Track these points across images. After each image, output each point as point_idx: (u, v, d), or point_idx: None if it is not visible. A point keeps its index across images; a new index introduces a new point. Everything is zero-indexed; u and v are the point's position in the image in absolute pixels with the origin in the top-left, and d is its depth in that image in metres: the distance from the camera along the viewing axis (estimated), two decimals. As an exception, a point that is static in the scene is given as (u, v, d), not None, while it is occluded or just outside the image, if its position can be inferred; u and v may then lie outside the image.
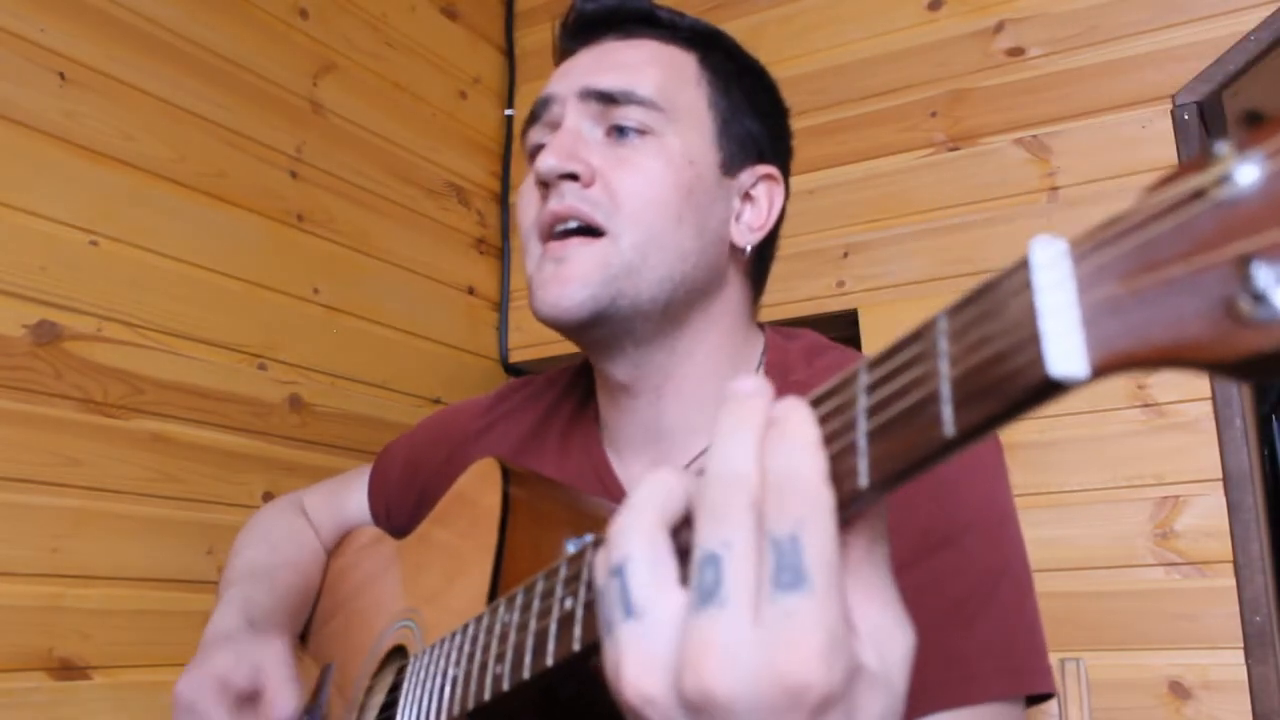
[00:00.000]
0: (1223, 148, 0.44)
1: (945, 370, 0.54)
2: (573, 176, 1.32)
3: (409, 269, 2.89)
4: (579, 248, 1.32)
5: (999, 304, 0.52)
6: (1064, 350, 0.48)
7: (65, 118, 2.06)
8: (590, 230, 1.32)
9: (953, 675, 1.13)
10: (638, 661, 0.64)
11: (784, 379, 1.36)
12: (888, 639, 0.66)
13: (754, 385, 0.67)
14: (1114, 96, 2.50)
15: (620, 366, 1.39)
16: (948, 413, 0.53)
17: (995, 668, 1.14)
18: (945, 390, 0.54)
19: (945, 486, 1.21)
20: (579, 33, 1.46)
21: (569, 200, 1.32)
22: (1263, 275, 0.42)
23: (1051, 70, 2.59)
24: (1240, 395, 2.32)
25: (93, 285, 2.07)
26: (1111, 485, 2.35)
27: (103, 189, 2.12)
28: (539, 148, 1.41)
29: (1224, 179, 0.44)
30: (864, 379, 0.61)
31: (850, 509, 0.61)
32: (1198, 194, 0.44)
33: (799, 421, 0.63)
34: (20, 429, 1.94)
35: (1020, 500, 1.29)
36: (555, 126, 1.38)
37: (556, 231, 1.33)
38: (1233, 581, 2.24)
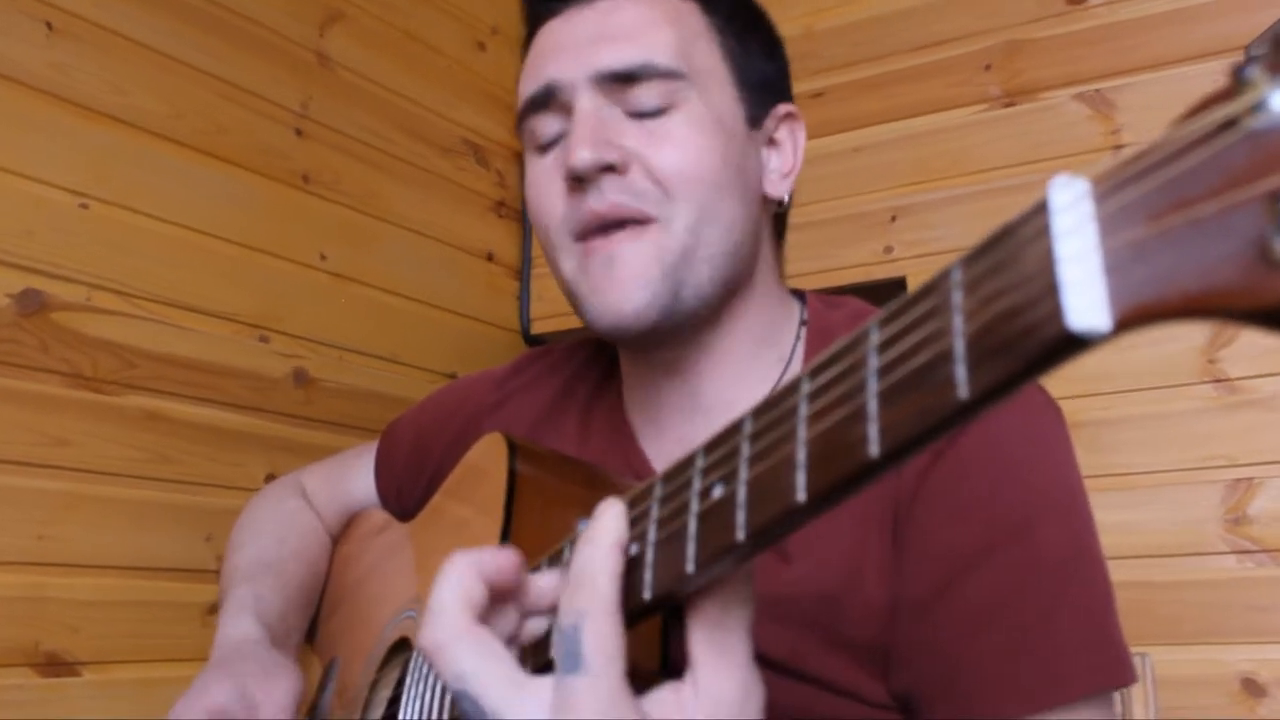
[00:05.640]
0: (1253, 72, 0.42)
1: (959, 326, 0.53)
2: (610, 167, 1.29)
3: (423, 233, 2.88)
4: (628, 242, 1.29)
5: (1015, 252, 0.51)
6: (1085, 301, 0.47)
7: (53, 71, 2.06)
8: (635, 220, 1.30)
9: (1041, 677, 1.12)
10: None
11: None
12: (728, 698, 0.77)
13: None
14: (1182, 47, 2.47)
15: (667, 348, 1.37)
16: (961, 373, 0.52)
17: (1085, 664, 1.14)
18: (959, 348, 0.53)
19: (1008, 472, 1.20)
20: None
21: (611, 197, 1.28)
22: (1296, 215, 0.40)
23: (1115, 19, 2.57)
24: (1321, 369, 2.30)
25: (82, 251, 2.07)
26: (1180, 467, 2.34)
27: (93, 147, 2.11)
28: (552, 139, 1.36)
29: (1257, 106, 0.42)
30: (875, 337, 0.60)
31: (861, 483, 0.61)
32: (1229, 124, 0.43)
33: (606, 522, 0.79)
34: (3, 406, 1.94)
35: (1081, 483, 1.27)
36: (567, 110, 1.34)
37: (596, 228, 1.31)
38: (1312, 571, 2.22)
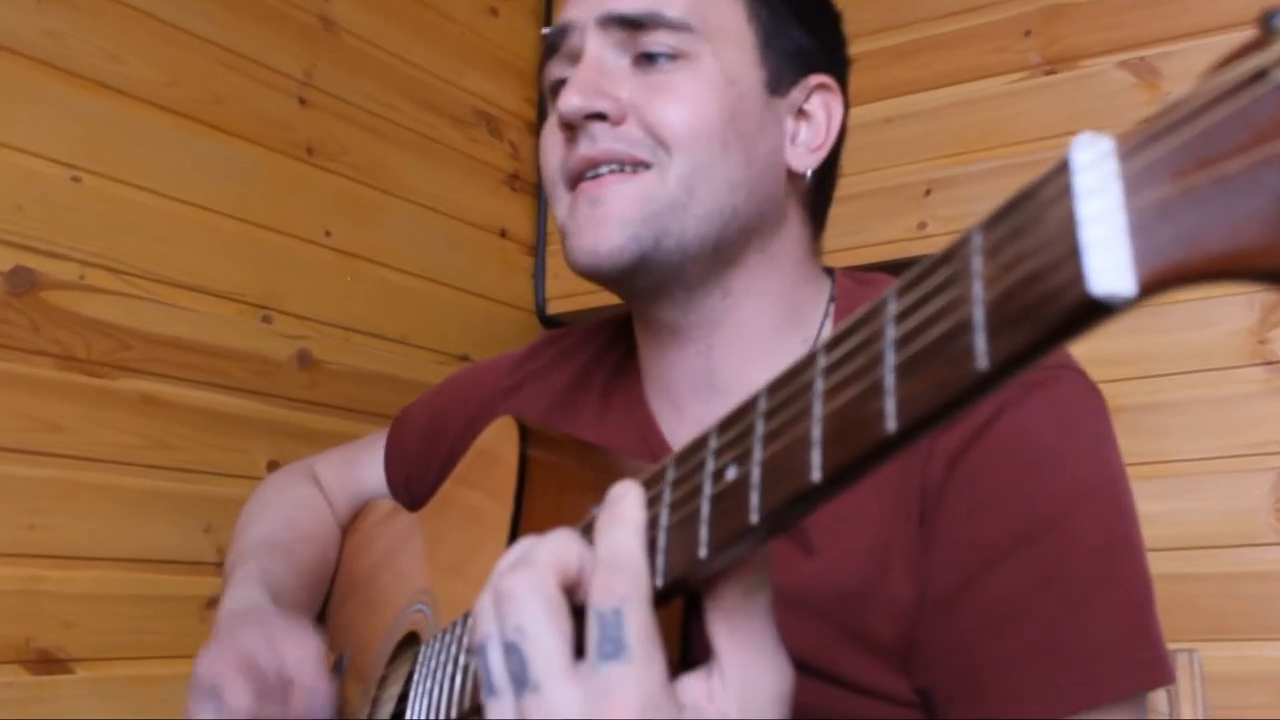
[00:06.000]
0: (1283, 20, 0.42)
1: (979, 293, 0.53)
2: (600, 116, 1.31)
3: (432, 208, 2.88)
4: (616, 184, 1.31)
5: (1036, 214, 0.50)
6: (1108, 264, 0.47)
7: (44, 37, 2.06)
8: (627, 162, 1.32)
9: (1068, 677, 1.12)
10: None
11: None
12: (756, 684, 0.79)
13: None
14: (1233, 13, 2.45)
15: (668, 311, 1.38)
16: (980, 343, 0.52)
17: (1116, 663, 1.13)
18: (978, 316, 0.53)
19: (1043, 460, 1.20)
20: None
21: (601, 144, 1.31)
22: (1328, 171, 0.40)
23: (1162, -17, 2.55)
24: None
25: (75, 227, 2.08)
26: (1228, 453, 2.33)
27: (86, 118, 2.12)
28: (560, 83, 1.40)
29: (1289, 56, 0.42)
30: (893, 307, 0.60)
31: (877, 461, 0.61)
32: (1258, 75, 0.43)
33: (630, 505, 0.80)
34: (-8, 389, 1.95)
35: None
36: (576, 58, 1.37)
37: (588, 176, 1.33)
38: (1369, 563, 2.22)
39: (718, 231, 1.32)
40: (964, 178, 2.69)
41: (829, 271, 1.48)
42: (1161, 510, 2.32)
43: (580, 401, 1.55)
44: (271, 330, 2.43)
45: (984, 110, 2.70)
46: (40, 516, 1.99)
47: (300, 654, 1.37)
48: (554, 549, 0.81)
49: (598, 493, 0.84)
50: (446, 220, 2.92)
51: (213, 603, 2.16)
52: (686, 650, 0.89)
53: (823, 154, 1.41)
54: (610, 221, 1.29)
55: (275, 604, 1.49)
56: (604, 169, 1.32)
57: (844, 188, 1.51)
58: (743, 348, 1.39)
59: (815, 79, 1.42)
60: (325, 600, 1.73)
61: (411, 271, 2.79)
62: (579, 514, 0.87)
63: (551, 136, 1.38)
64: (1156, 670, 1.15)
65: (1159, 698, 1.64)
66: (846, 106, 1.45)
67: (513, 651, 0.79)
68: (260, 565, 1.58)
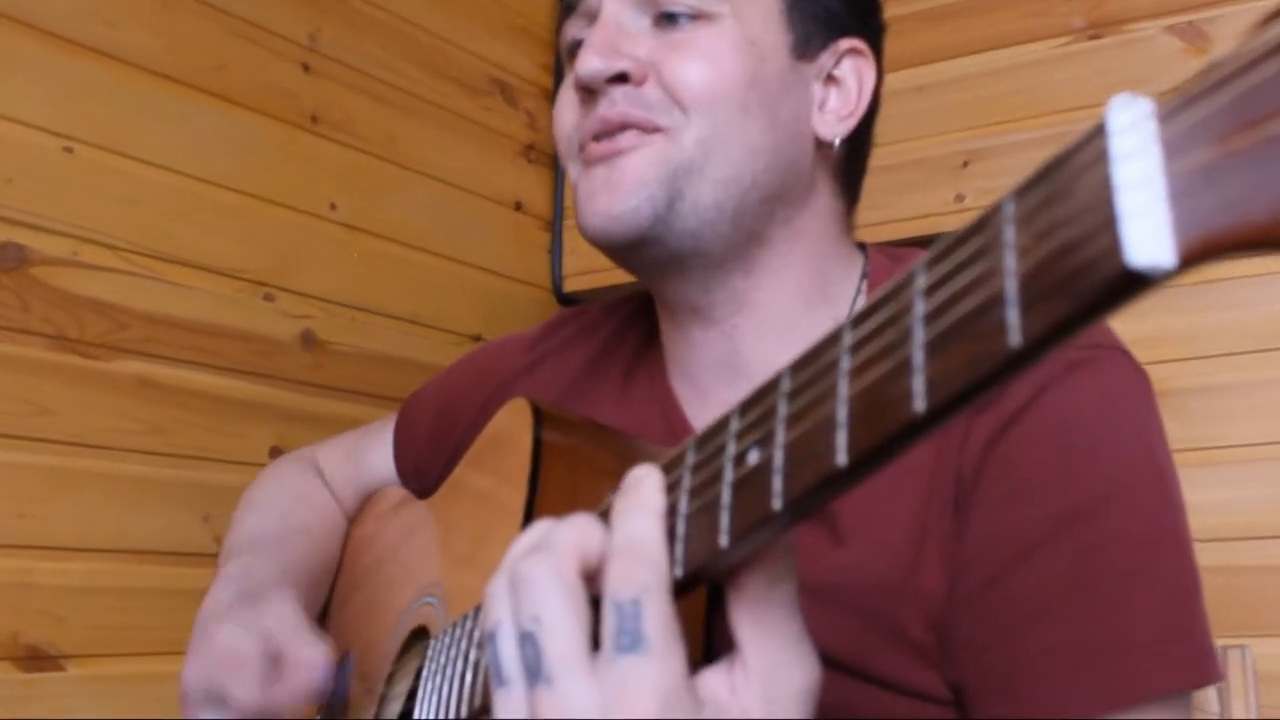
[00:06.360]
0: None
1: (1011, 265, 0.53)
2: (621, 78, 1.32)
3: (444, 180, 2.88)
4: (631, 148, 1.31)
5: (1071, 180, 0.50)
6: (1146, 233, 0.46)
7: (34, 0, 2.06)
8: (642, 127, 1.32)
9: (1110, 674, 1.11)
10: None
11: None
12: (780, 678, 0.79)
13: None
14: (1287, -27, 2.44)
15: (687, 288, 1.38)
16: (1013, 317, 0.52)
17: (1157, 660, 1.12)
18: (1011, 289, 0.52)
19: (1083, 445, 1.19)
20: None
21: (620, 107, 1.32)
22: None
23: (1211, -59, 2.54)
24: None
25: (67, 200, 2.08)
26: (1281, 439, 2.32)
27: (80, 86, 2.12)
28: (577, 44, 1.39)
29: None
30: (922, 280, 0.60)
31: (905, 444, 0.60)
32: (1306, 31, 0.43)
33: (650, 489, 0.80)
34: (-21, 371, 1.96)
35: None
36: (593, 18, 1.37)
37: (603, 140, 1.33)
38: None
39: (736, 200, 1.32)
40: (1004, 148, 2.68)
41: (862, 247, 1.47)
42: (1211, 499, 2.31)
43: (600, 381, 1.55)
44: (274, 309, 2.43)
45: (1025, 77, 2.69)
46: (30, 505, 2.00)
47: (278, 624, 1.37)
48: (575, 533, 0.80)
49: (615, 478, 0.84)
50: (459, 193, 2.93)
51: (211, 595, 2.17)
52: (709, 645, 0.89)
53: (853, 122, 1.40)
54: (624, 185, 1.30)
55: (247, 599, 1.48)
56: (620, 133, 1.32)
57: (876, 159, 1.50)
58: (769, 328, 1.38)
59: (846, 43, 1.41)
60: (328, 598, 1.73)
61: (421, 247, 2.80)
62: (596, 500, 0.87)
63: (566, 99, 1.39)
64: (1202, 667, 1.14)
65: (1208, 696, 1.64)
66: (880, 73, 1.45)
67: (527, 641, 0.78)
68: (243, 564, 1.57)
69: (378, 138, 2.70)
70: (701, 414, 1.42)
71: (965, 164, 2.71)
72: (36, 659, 1.98)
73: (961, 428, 1.20)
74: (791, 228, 1.38)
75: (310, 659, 1.33)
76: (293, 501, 1.76)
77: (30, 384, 2.01)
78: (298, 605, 1.41)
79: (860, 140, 1.45)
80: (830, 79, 1.40)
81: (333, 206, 2.58)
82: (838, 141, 1.39)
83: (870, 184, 1.49)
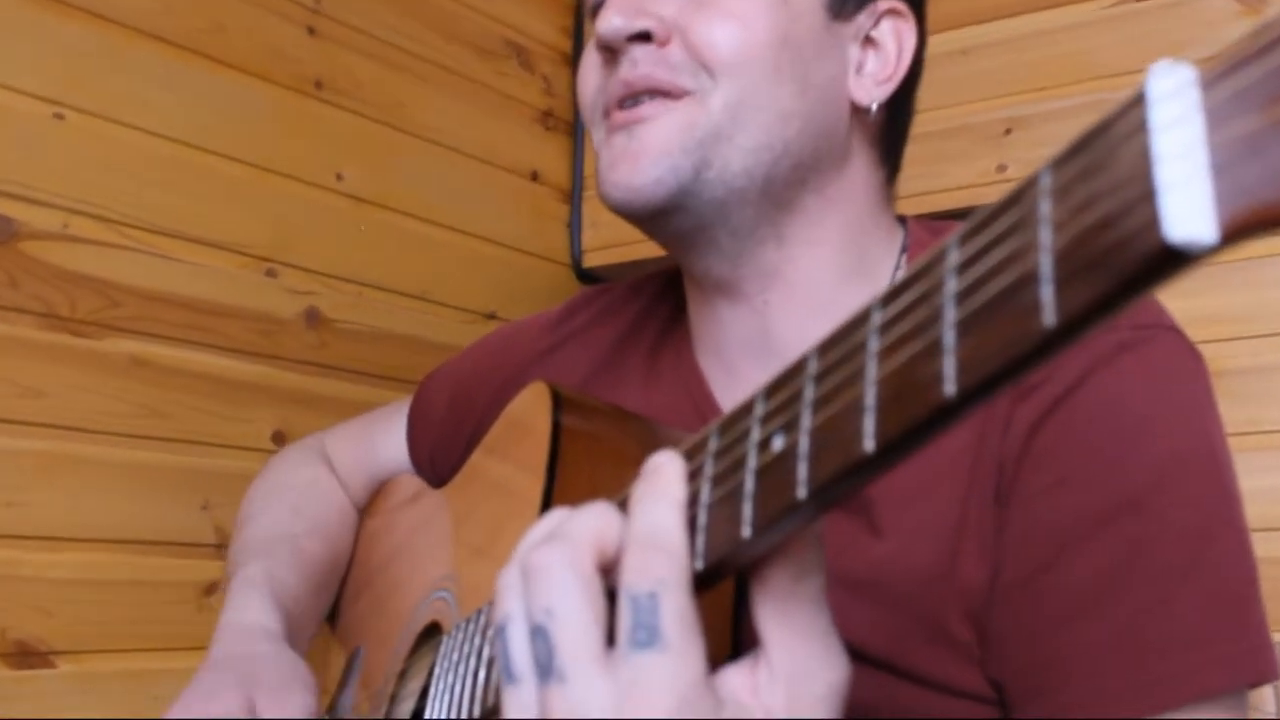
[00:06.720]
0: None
1: (1046, 240, 0.53)
2: (644, 36, 1.31)
3: (456, 149, 2.88)
4: (655, 114, 1.31)
5: (1109, 151, 0.50)
6: (1186, 206, 0.46)
7: (21, -41, 2.07)
8: (666, 91, 1.31)
9: (1159, 671, 1.11)
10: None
11: None
12: (806, 677, 0.78)
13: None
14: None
15: (715, 262, 1.38)
16: (1048, 295, 0.52)
17: (1209, 656, 1.12)
18: (1046, 266, 0.52)
19: (1132, 430, 1.19)
20: None
21: (643, 68, 1.31)
22: None
23: (1270, -107, 2.53)
24: None
25: (57, 170, 2.09)
26: (1344, 423, 2.32)
27: (71, 49, 2.13)
28: (600, 4, 1.39)
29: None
30: (954, 257, 0.59)
31: (935, 429, 0.60)
32: (1358, -8, 0.42)
33: (671, 477, 0.79)
34: (-34, 351, 1.97)
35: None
36: None
37: (627, 105, 1.33)
38: None
39: (766, 168, 1.31)
40: (1048, 115, 2.67)
41: (902, 220, 1.47)
42: (1266, 485, 2.31)
43: (626, 363, 1.55)
44: (276, 285, 2.44)
45: (1070, 41, 2.68)
46: (19, 493, 2.00)
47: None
48: (592, 523, 0.80)
49: (637, 465, 0.84)
50: (472, 163, 2.93)
51: (211, 588, 2.17)
52: (737, 642, 0.89)
53: (891, 86, 1.40)
54: (648, 153, 1.30)
55: (281, 618, 1.50)
56: (644, 97, 1.32)
57: (915, 126, 1.50)
58: (801, 304, 1.38)
59: (885, 3, 1.40)
60: (339, 593, 1.73)
61: (432, 220, 2.80)
62: (617, 488, 0.87)
63: (590, 60, 1.39)
64: (1257, 663, 1.14)
65: (1265, 695, 1.63)
66: (923, 35, 1.44)
67: (539, 635, 0.77)
68: (264, 568, 1.59)
69: (386, 104, 2.70)
70: (731, 395, 1.42)
71: (1008, 131, 2.70)
72: (24, 655, 1.98)
73: (1004, 412, 1.20)
74: (825, 197, 1.37)
75: None
76: (303, 497, 1.76)
77: (19, 364, 2.02)
78: (310, 695, 1.42)
79: (900, 106, 1.44)
80: (868, 41, 1.40)
81: (338, 177, 2.58)
82: (875, 107, 1.39)
83: (908, 152, 1.48)
